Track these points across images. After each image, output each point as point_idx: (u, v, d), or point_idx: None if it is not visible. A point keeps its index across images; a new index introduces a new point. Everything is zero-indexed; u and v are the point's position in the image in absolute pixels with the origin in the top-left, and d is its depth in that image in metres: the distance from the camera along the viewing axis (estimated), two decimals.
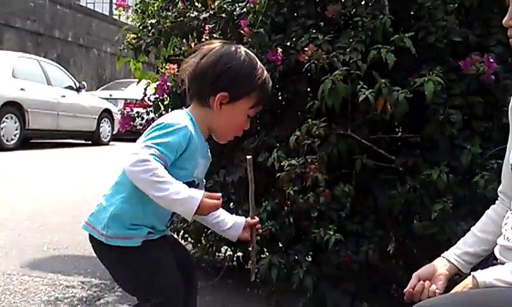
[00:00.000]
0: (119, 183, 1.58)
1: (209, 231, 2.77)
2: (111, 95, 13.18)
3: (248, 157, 1.67)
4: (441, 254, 1.57)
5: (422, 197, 2.39)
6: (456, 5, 2.51)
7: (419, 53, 2.41)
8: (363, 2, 2.59)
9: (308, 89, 2.74)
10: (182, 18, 3.17)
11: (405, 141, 2.62)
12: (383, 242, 2.53)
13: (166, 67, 3.11)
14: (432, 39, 2.46)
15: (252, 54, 1.66)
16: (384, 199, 2.49)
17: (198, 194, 1.48)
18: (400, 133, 2.68)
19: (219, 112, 1.60)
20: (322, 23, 2.67)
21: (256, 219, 1.73)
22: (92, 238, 1.62)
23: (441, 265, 1.53)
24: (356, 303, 2.59)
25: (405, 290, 1.47)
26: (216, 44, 1.65)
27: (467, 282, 1.33)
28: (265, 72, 1.65)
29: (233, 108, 1.60)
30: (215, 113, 1.60)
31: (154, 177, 1.44)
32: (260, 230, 1.81)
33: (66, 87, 11.10)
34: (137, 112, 3.41)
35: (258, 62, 1.65)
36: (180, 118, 1.58)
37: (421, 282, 1.47)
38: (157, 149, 1.47)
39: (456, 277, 1.52)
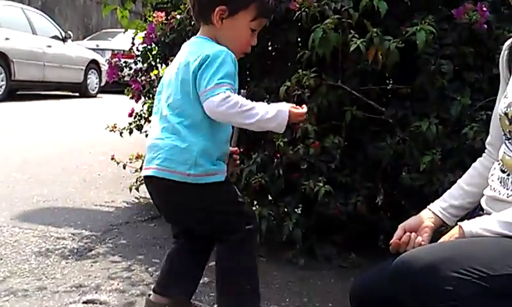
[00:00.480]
0: (190, 126, 1.59)
1: None
2: (97, 45, 12.91)
3: (243, 90, 1.72)
4: (427, 206, 1.58)
5: (411, 149, 2.39)
6: None
7: (412, 1, 2.37)
8: None
9: (299, 39, 2.70)
10: None
11: (395, 93, 2.60)
12: (372, 194, 2.55)
13: (154, 15, 3.04)
14: None
15: None
16: (373, 150, 2.50)
17: (284, 106, 1.58)
18: (390, 84, 2.66)
19: (221, 28, 1.64)
20: None
21: (236, 148, 1.78)
22: (162, 183, 1.61)
23: (426, 217, 1.54)
24: (344, 254, 2.63)
25: (391, 242, 1.49)
26: None
27: (454, 232, 1.34)
28: None
29: (234, 22, 1.64)
30: (218, 29, 1.64)
31: (242, 108, 1.53)
32: (238, 162, 1.85)
33: (51, 37, 10.84)
34: (125, 62, 3.35)
35: None
36: (213, 45, 1.63)
37: (407, 233, 1.48)
38: (227, 82, 1.55)
39: (442, 228, 1.54)
